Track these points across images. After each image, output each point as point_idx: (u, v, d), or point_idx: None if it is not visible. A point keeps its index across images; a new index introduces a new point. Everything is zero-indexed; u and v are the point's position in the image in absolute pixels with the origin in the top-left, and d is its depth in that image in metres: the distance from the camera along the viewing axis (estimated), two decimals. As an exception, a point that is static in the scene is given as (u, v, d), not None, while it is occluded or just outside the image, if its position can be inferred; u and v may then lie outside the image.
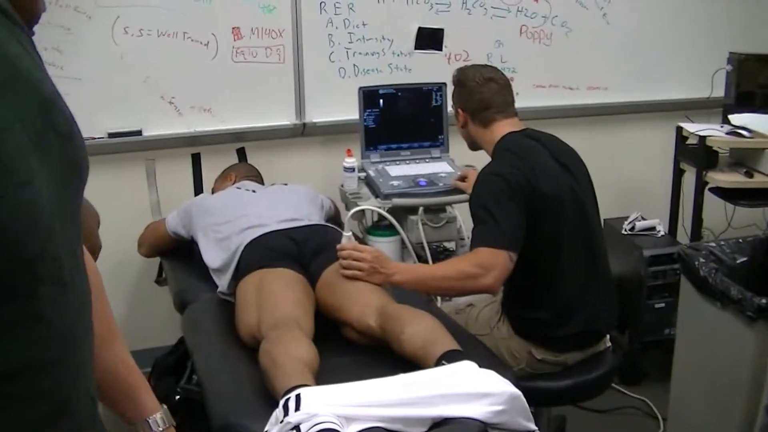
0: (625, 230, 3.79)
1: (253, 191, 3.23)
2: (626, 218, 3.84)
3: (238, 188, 3.27)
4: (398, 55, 4.00)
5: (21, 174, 0.83)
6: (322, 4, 3.82)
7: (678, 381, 2.90)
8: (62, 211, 0.91)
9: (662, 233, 3.78)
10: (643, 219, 3.82)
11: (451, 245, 3.52)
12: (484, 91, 2.72)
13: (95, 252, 1.75)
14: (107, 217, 3.63)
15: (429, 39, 4.01)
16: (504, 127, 2.70)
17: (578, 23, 4.23)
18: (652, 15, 4.36)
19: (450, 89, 2.89)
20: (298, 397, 1.86)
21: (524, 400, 1.96)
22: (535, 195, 2.52)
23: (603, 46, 4.30)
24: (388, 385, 1.95)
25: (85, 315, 0.98)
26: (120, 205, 3.75)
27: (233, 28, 3.72)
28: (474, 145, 2.83)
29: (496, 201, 2.50)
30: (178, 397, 3.17)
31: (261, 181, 3.52)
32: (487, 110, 2.71)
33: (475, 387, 1.93)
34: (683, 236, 4.03)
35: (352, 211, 2.78)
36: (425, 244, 3.32)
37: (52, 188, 0.88)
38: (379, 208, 3.04)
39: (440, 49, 4.04)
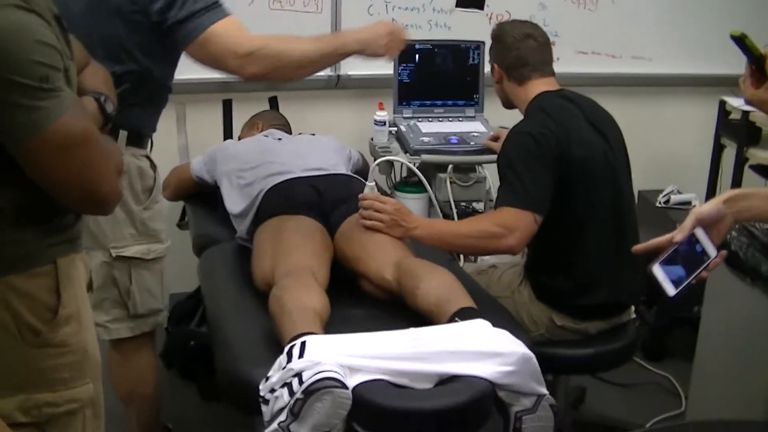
0: (660, 203, 3.70)
1: (279, 139, 3.17)
2: (662, 191, 3.74)
3: (265, 136, 3.21)
4: (439, 12, 3.92)
5: None
6: (363, -45, 3.75)
7: (702, 357, 2.82)
8: None
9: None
10: (679, 193, 3.72)
11: (479, 206, 3.46)
12: (521, 47, 2.63)
13: (107, 201, 1.58)
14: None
15: (471, -3, 3.93)
16: (539, 85, 2.61)
17: (625, -11, 4.11)
18: (701, -16, 4.22)
19: (488, 48, 2.80)
20: (303, 344, 1.82)
21: (536, 363, 1.91)
22: (565, 158, 2.43)
23: (650, 15, 4.19)
24: (397, 339, 1.91)
25: None
26: (148, 148, 3.71)
27: (270, -25, 3.66)
28: (508, 103, 2.74)
29: (523, 161, 2.42)
30: (193, 342, 3.18)
31: (288, 131, 3.46)
32: (523, 67, 2.62)
33: (485, 346, 1.87)
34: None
35: (379, 160, 2.72)
36: (452, 203, 3.26)
37: None
38: (409, 162, 2.98)
39: (482, 8, 3.95)
